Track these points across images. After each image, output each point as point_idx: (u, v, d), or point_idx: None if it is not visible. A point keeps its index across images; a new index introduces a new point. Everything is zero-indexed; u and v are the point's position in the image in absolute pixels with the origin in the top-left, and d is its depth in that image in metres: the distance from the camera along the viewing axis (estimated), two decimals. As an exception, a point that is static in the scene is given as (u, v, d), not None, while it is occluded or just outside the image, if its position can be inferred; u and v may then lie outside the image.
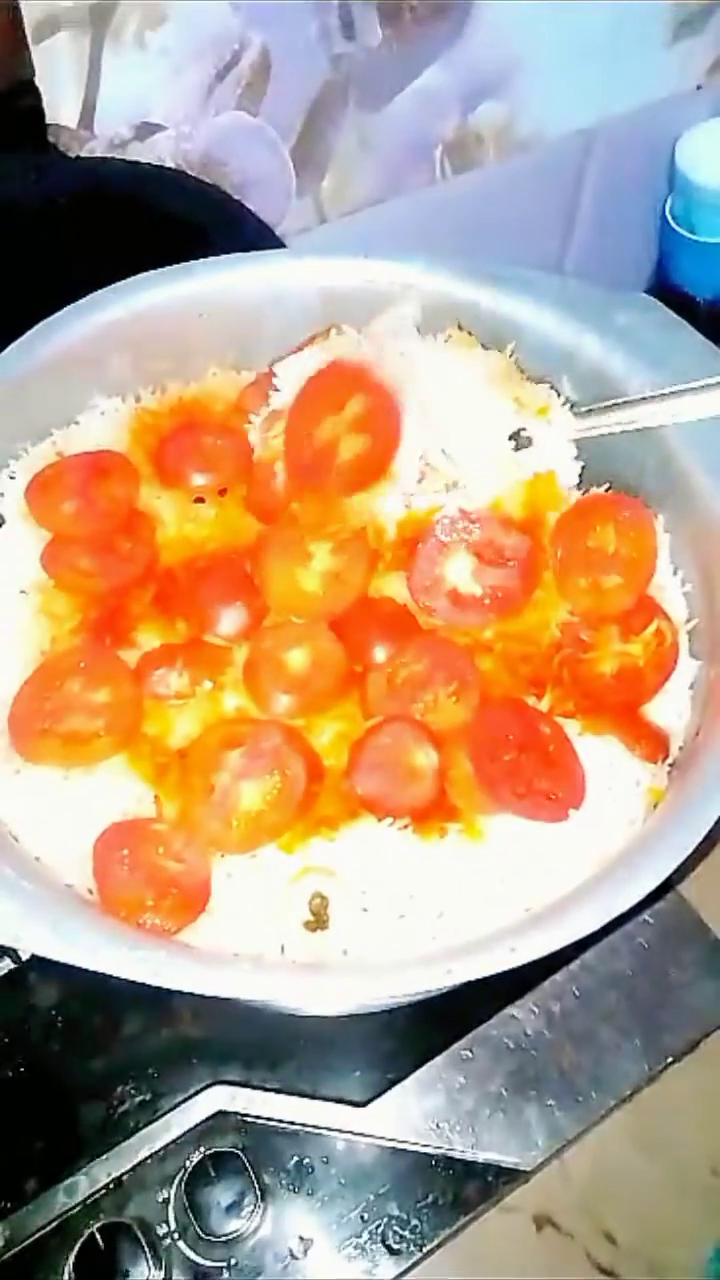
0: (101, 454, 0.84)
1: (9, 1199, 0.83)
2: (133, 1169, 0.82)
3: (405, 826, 0.67)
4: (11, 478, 0.83)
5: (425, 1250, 0.82)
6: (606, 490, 0.84)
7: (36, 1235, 0.81)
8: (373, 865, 0.66)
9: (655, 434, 0.81)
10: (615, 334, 0.84)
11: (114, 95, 0.94)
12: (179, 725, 0.71)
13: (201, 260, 0.89)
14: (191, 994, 0.56)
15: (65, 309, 0.85)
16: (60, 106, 0.92)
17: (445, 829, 0.67)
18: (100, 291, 0.86)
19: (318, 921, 0.64)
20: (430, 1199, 0.84)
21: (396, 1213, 0.83)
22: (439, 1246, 0.82)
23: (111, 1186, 0.81)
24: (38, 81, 0.88)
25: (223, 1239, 0.78)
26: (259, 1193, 0.80)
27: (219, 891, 0.65)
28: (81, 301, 0.85)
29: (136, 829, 0.66)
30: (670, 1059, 0.89)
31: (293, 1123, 0.84)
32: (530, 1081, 0.87)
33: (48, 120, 0.92)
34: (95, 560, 0.77)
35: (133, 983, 0.56)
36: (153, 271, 0.87)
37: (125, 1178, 0.82)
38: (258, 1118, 0.84)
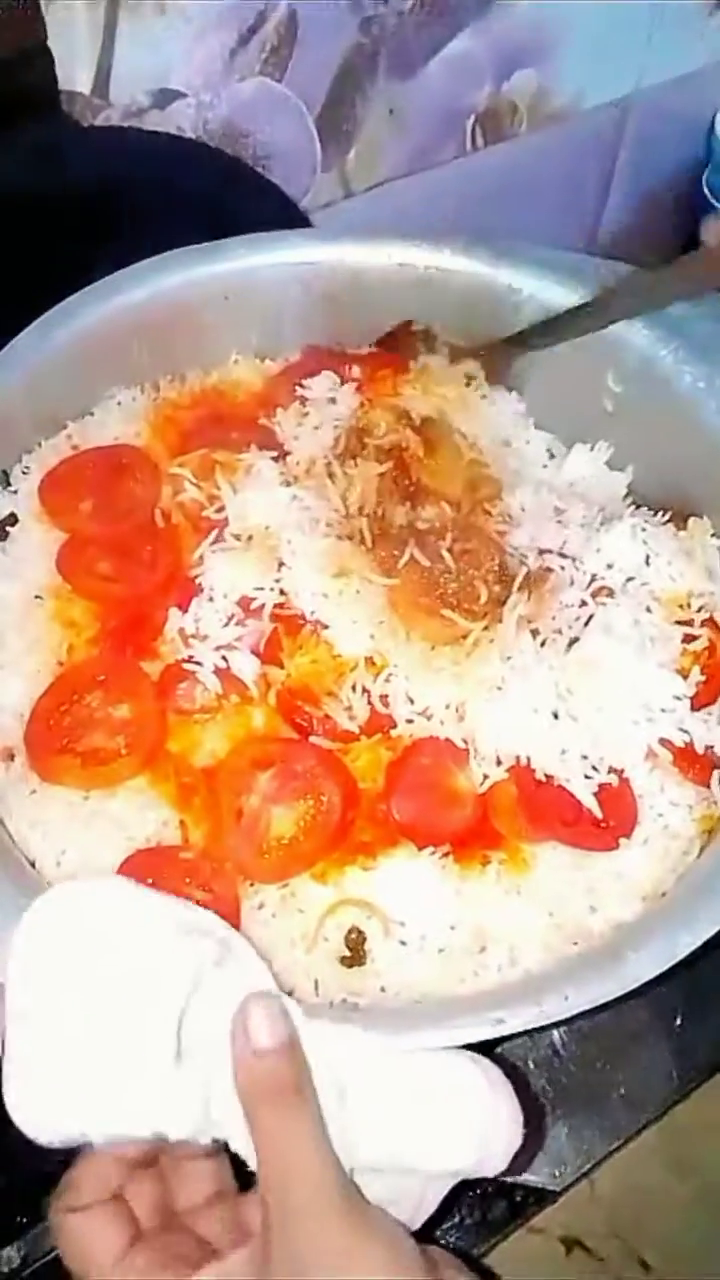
0: (120, 448, 0.79)
1: (25, 1215, 0.80)
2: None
3: (446, 855, 0.64)
4: (25, 472, 0.78)
5: (452, 1272, 0.79)
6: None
7: (53, 1253, 0.78)
8: (411, 896, 0.63)
9: (703, 437, 0.76)
10: (665, 324, 0.79)
11: (131, 60, 0.89)
12: (205, 742, 0.67)
13: (224, 240, 0.84)
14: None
15: (80, 293, 0.80)
16: (74, 72, 0.87)
17: (488, 858, 0.64)
18: (117, 274, 0.81)
19: (354, 957, 0.61)
20: (457, 1219, 0.81)
21: (423, 1233, 0.81)
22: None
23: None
24: (50, 45, 0.83)
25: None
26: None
27: (249, 924, 0.62)
28: (97, 284, 0.80)
29: (161, 857, 0.62)
30: (703, 1077, 0.86)
31: (316, 1141, 0.81)
32: (558, 1099, 0.84)
33: (61, 87, 0.87)
34: (115, 564, 0.73)
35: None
36: (172, 252, 0.82)
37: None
38: (280, 1136, 0.81)
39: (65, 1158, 0.75)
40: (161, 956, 0.50)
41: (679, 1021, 0.88)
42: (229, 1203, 0.55)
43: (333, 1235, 0.47)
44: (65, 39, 0.84)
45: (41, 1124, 0.49)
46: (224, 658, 0.68)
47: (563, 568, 0.73)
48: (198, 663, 0.68)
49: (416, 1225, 0.54)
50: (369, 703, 0.66)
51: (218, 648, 0.68)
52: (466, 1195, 0.82)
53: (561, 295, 0.80)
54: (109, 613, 0.72)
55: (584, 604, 0.70)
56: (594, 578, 0.72)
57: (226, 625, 0.69)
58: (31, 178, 0.82)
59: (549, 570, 0.71)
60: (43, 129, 0.86)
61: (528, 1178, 0.82)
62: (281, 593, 0.69)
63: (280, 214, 0.97)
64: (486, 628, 0.67)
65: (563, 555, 0.73)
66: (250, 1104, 0.49)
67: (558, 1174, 0.83)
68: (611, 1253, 0.85)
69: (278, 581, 0.69)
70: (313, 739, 0.66)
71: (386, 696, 0.67)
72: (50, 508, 0.75)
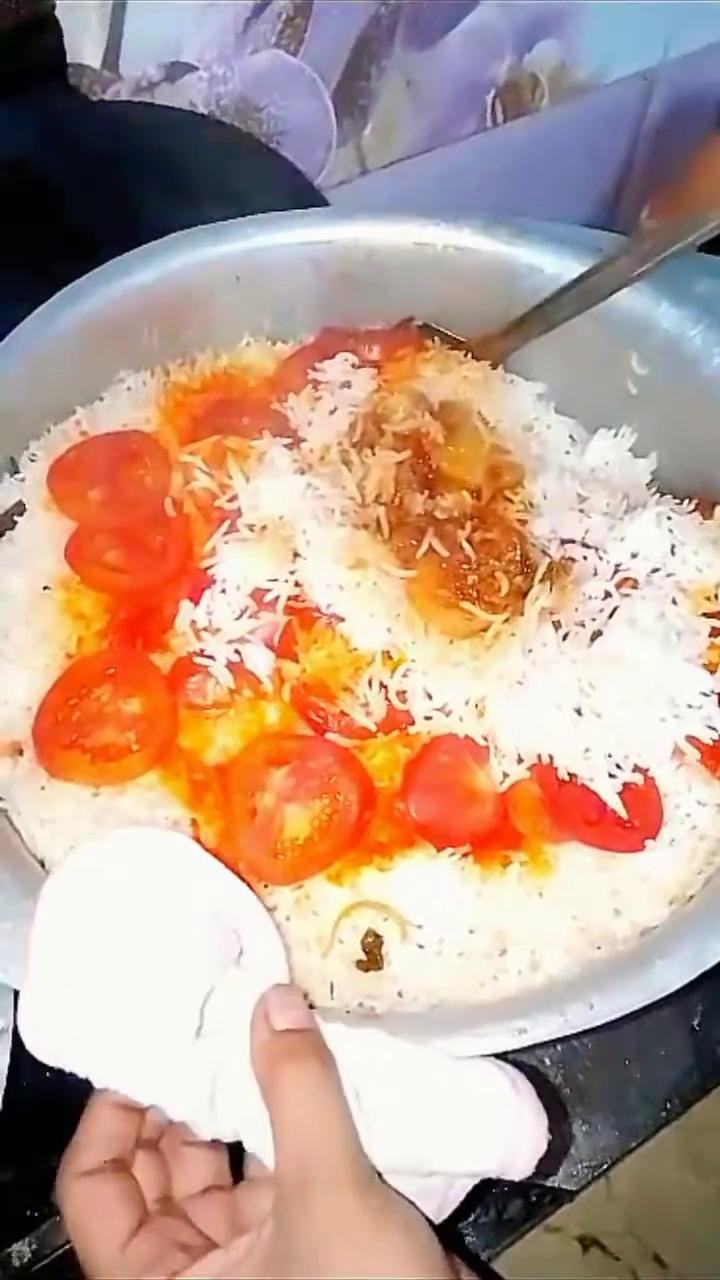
0: (129, 434, 0.77)
1: (36, 1210, 0.79)
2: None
3: (465, 856, 0.62)
4: (32, 459, 0.76)
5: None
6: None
7: (64, 1248, 0.77)
8: (430, 898, 0.61)
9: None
10: (694, 303, 0.76)
11: (141, 32, 0.86)
12: (218, 738, 0.66)
13: (235, 220, 0.81)
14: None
15: (87, 275, 0.78)
16: (82, 44, 0.85)
17: (509, 859, 0.62)
18: (125, 255, 0.79)
19: (370, 961, 0.59)
20: (473, 1218, 0.80)
21: (439, 1232, 0.80)
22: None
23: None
24: (59, 16, 0.80)
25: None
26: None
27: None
28: (104, 266, 0.78)
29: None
30: (723, 1075, 0.84)
31: (329, 1139, 0.80)
32: (575, 1097, 0.83)
33: (69, 60, 0.84)
34: (124, 554, 0.70)
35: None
36: (182, 232, 0.80)
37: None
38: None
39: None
40: (198, 935, 0.50)
41: (699, 1019, 0.86)
42: (225, 1196, 0.54)
43: (350, 1215, 0.45)
44: (74, 10, 0.82)
45: (48, 1047, 0.49)
46: (237, 651, 0.66)
47: (585, 558, 0.71)
48: (210, 656, 0.66)
49: (440, 1219, 0.53)
50: (386, 699, 0.65)
51: (230, 641, 0.66)
52: (482, 1195, 0.81)
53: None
54: (119, 604, 0.70)
55: (608, 595, 0.68)
56: (618, 568, 0.69)
57: (239, 618, 0.67)
58: (39, 154, 0.79)
59: (572, 560, 0.69)
60: (51, 103, 0.83)
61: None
62: (296, 584, 0.67)
63: (294, 192, 0.94)
64: (507, 620, 0.65)
65: (586, 545, 0.71)
66: (270, 1079, 0.48)
67: (574, 1173, 0.81)
68: (628, 1251, 0.84)
69: (292, 573, 0.67)
70: (329, 736, 0.64)
71: (404, 692, 0.65)
72: (58, 496, 0.73)
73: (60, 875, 0.51)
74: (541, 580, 0.66)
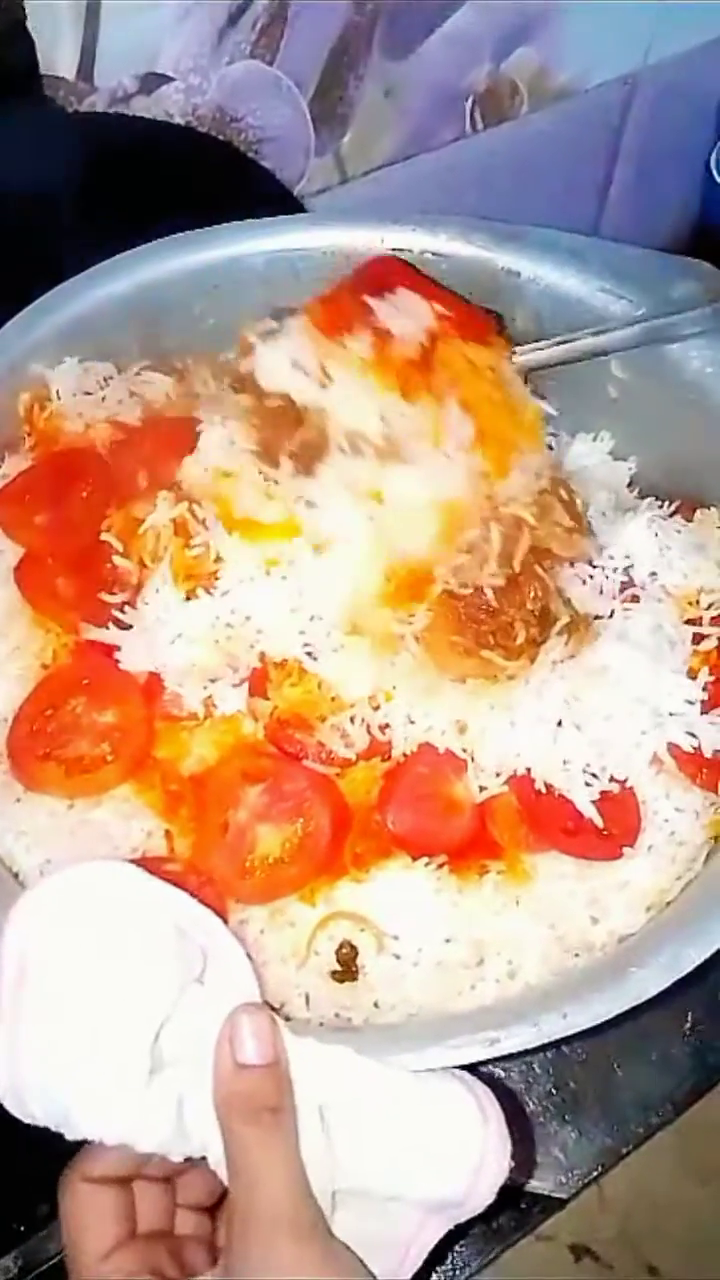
0: (73, 452, 0.73)
1: (21, 1223, 0.79)
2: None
3: (442, 866, 0.61)
4: (-1, 468, 0.76)
5: (458, 1282, 0.78)
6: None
7: (51, 1262, 0.77)
8: (406, 909, 0.61)
9: (714, 423, 0.73)
10: (673, 308, 0.76)
11: (116, 42, 0.85)
12: (194, 749, 0.65)
13: (214, 227, 0.81)
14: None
15: (65, 283, 0.78)
16: (56, 55, 0.84)
17: (486, 868, 0.62)
18: (101, 264, 0.78)
19: (346, 972, 0.59)
20: (462, 1228, 0.80)
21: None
22: (472, 1277, 0.78)
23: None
24: (30, 26, 0.80)
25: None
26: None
27: (236, 937, 0.60)
28: (80, 276, 0.78)
29: (147, 869, 0.60)
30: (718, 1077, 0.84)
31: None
32: (566, 1102, 0.82)
33: (42, 71, 0.84)
34: (73, 585, 0.67)
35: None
36: (158, 241, 0.80)
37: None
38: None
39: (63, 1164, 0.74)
40: (153, 962, 0.50)
41: (691, 1022, 0.85)
42: (215, 1220, 0.55)
43: (285, 1265, 0.47)
44: (46, 19, 0.81)
45: (20, 1104, 0.49)
46: (205, 686, 0.65)
47: (592, 576, 0.69)
48: (179, 691, 0.65)
49: (403, 1277, 0.52)
50: (368, 731, 0.63)
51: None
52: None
53: (562, 279, 0.77)
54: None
55: (612, 615, 0.67)
56: (623, 586, 0.68)
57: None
58: (12, 166, 0.79)
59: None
60: (24, 114, 0.83)
61: (534, 1185, 0.81)
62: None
63: (274, 201, 0.94)
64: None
65: (592, 565, 0.69)
66: (226, 1118, 0.49)
67: (565, 1180, 0.81)
68: (621, 1260, 0.83)
69: (260, 633, 0.64)
70: (306, 763, 0.63)
71: (387, 726, 0.63)
72: (5, 522, 0.71)
73: (14, 925, 0.50)
74: (559, 634, 0.63)
